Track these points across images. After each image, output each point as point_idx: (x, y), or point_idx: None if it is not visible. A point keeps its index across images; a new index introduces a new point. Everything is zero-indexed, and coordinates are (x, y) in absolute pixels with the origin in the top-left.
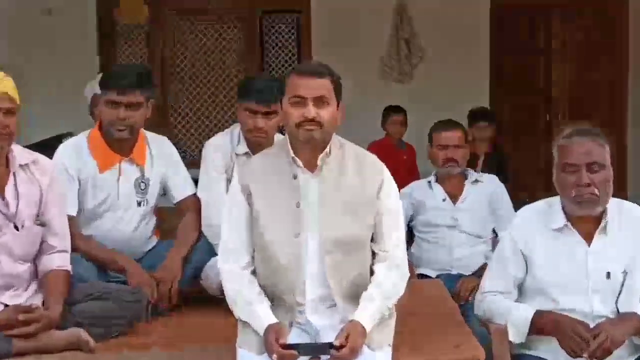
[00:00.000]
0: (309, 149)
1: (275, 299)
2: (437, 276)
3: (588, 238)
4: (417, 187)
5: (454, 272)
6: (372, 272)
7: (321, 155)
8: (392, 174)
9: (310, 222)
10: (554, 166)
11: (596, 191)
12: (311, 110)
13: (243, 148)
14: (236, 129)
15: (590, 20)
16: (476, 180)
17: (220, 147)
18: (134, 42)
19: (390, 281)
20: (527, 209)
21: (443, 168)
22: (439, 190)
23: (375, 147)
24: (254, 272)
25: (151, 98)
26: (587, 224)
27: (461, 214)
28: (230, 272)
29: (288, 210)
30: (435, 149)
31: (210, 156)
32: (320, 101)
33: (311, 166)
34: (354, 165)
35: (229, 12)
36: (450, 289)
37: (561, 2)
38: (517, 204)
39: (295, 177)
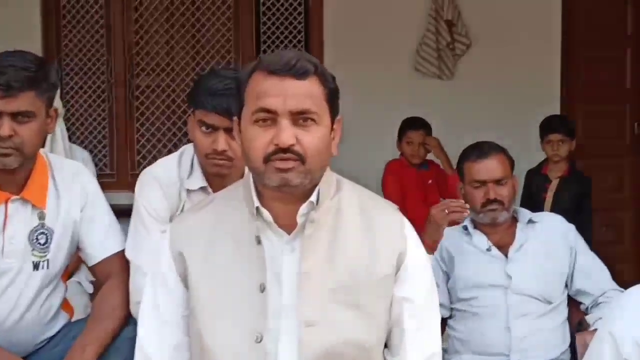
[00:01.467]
0: (284, 196)
1: None
2: None
3: None
4: (447, 236)
5: (514, 358)
6: None
7: (303, 207)
8: (417, 209)
9: (282, 320)
10: None
11: None
12: (286, 134)
13: (198, 181)
14: (188, 152)
15: None
16: (531, 221)
17: (162, 180)
18: (89, 22)
19: None
20: (638, 292)
21: (484, 213)
22: (480, 238)
23: (391, 169)
24: None
25: (52, 104)
26: None
27: (517, 268)
28: None
29: (245, 297)
30: (469, 187)
31: (146, 195)
32: (302, 118)
33: (287, 224)
34: (359, 223)
35: None
36: None
37: None
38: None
39: (259, 241)
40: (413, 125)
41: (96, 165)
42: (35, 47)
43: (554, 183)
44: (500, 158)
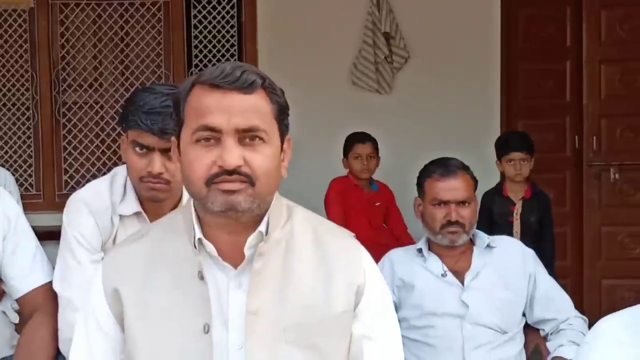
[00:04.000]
0: (230, 224)
1: None
2: None
3: None
4: (400, 257)
5: None
6: None
7: (251, 238)
8: (362, 230)
9: None
10: None
11: None
12: (232, 154)
13: (131, 206)
14: (120, 174)
15: (636, 7)
16: (489, 246)
17: (93, 205)
18: (12, 36)
19: None
20: (611, 323)
21: (442, 235)
22: (435, 262)
23: (335, 187)
24: None
25: None
26: None
27: (473, 297)
28: None
29: (188, 338)
30: (429, 205)
31: (75, 222)
32: (249, 136)
33: (233, 257)
34: (312, 255)
35: None
36: None
37: None
38: None
39: (202, 277)
40: (360, 138)
41: (21, 185)
42: None
43: (518, 205)
44: (465, 178)
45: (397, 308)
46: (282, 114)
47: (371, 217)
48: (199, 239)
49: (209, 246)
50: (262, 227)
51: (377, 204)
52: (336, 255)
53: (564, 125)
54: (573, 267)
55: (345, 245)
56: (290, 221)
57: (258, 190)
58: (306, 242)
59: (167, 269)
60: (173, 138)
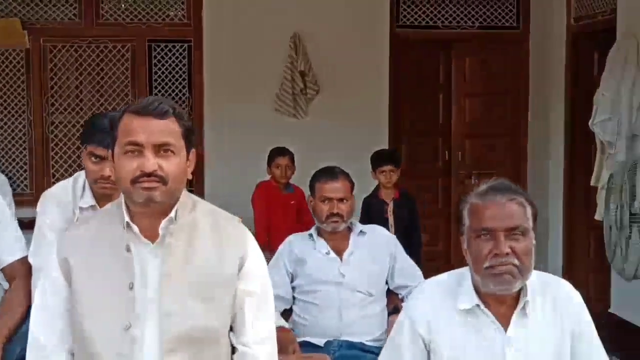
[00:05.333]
0: (149, 212)
1: None
2: (325, 344)
3: (506, 322)
4: (297, 241)
5: (344, 338)
6: None
7: (164, 222)
8: (279, 222)
9: (147, 311)
10: (464, 231)
11: (516, 261)
12: (150, 162)
13: (88, 200)
14: (81, 177)
15: (491, 54)
16: (362, 232)
17: (60, 199)
18: (12, 70)
19: None
20: (429, 284)
21: (327, 223)
22: (322, 244)
23: (260, 189)
24: None
25: None
26: (504, 305)
27: (349, 269)
28: None
29: (117, 293)
30: (318, 202)
31: (46, 211)
32: (163, 149)
33: (152, 235)
34: (209, 234)
35: (115, 41)
36: None
37: (461, 37)
38: None
39: (129, 249)
40: (280, 153)
41: (18, 186)
42: None
43: (391, 205)
44: (344, 182)
45: (293, 277)
46: (188, 134)
47: (287, 212)
48: (127, 222)
49: (134, 227)
50: (172, 214)
51: (292, 202)
52: (227, 235)
53: (437, 143)
54: (443, 250)
55: (234, 228)
56: (194, 210)
57: (169, 188)
58: (206, 225)
59: (105, 243)
60: (110, 150)
